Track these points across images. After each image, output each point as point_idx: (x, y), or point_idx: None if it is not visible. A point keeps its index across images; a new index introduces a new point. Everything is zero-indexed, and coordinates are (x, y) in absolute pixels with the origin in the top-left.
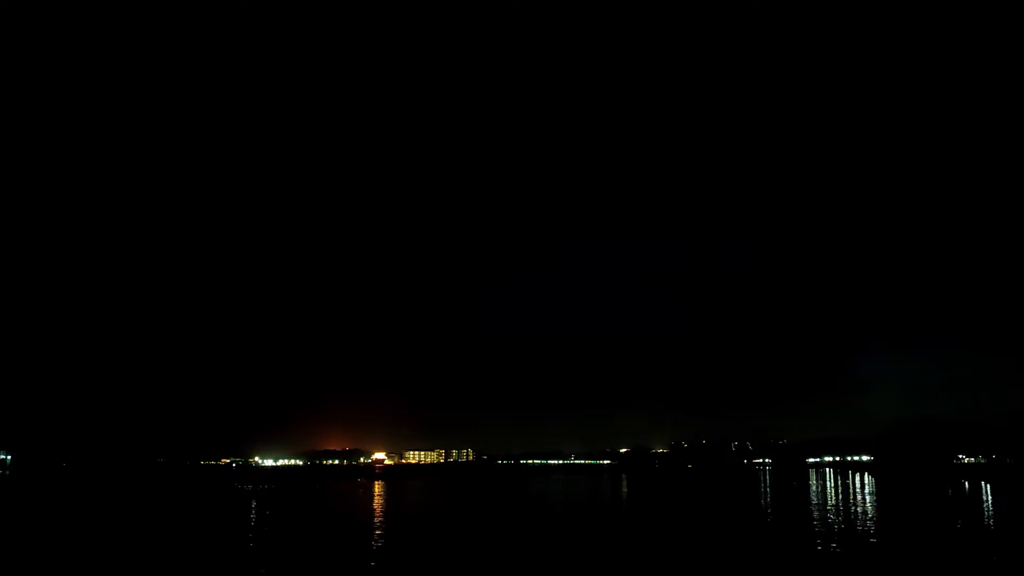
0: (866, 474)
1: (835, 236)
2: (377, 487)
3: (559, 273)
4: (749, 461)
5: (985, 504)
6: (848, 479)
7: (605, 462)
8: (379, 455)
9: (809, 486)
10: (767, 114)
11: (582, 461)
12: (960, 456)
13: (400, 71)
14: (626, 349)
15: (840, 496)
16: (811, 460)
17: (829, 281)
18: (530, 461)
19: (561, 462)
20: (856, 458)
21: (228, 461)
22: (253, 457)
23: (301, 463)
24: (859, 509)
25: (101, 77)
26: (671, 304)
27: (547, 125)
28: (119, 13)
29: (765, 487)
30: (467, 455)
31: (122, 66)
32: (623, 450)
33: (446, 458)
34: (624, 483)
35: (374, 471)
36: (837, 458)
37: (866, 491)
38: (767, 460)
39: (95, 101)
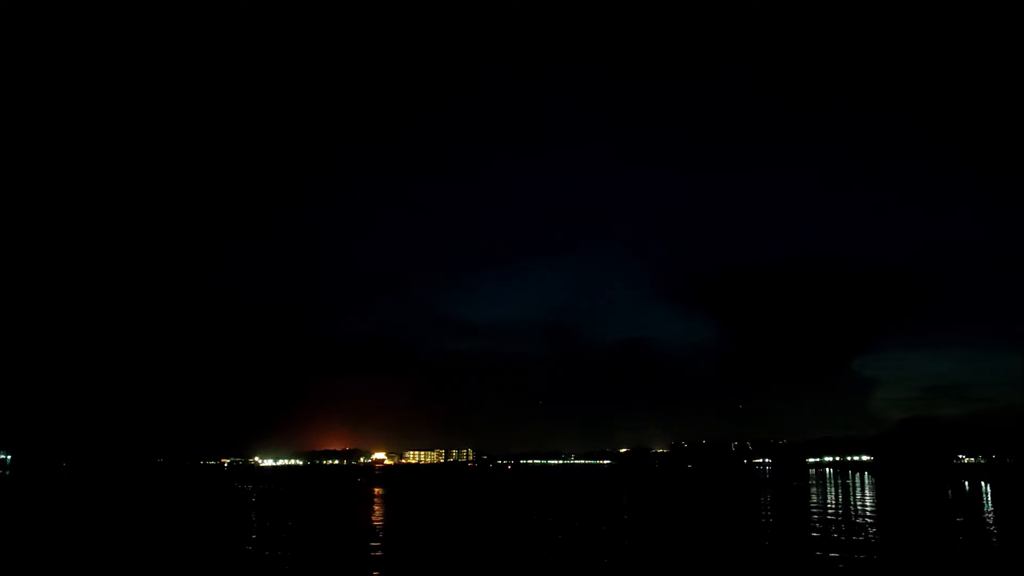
0: (866, 474)
1: (836, 236)
2: (377, 487)
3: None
4: (749, 461)
5: (985, 504)
6: (848, 479)
7: (605, 462)
8: (379, 455)
9: (809, 486)
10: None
11: (582, 461)
12: (960, 456)
13: None
14: (628, 350)
15: (840, 496)
16: (811, 460)
17: (830, 281)
18: (530, 461)
19: (561, 462)
20: (856, 458)
21: (228, 461)
22: (253, 457)
23: (301, 463)
24: (859, 509)
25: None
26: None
27: None
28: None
29: (765, 487)
30: (467, 455)
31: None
32: (623, 450)
33: (446, 458)
34: (623, 483)
35: (374, 471)
36: (837, 458)
37: (866, 491)
38: (767, 460)
39: (105, 102)
